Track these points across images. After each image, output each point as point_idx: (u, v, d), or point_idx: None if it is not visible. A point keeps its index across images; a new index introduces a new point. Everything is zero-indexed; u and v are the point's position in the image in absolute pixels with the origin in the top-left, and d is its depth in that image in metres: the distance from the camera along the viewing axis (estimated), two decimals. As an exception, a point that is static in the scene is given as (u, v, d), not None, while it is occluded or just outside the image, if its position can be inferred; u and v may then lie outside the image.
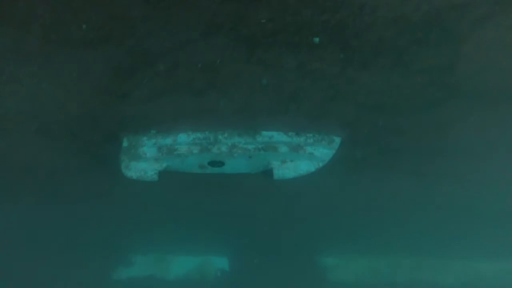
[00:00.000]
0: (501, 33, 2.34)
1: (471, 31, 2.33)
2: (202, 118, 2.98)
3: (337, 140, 3.27)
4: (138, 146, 3.07)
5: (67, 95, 2.64)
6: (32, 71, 2.36)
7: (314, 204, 4.03)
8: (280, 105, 2.92)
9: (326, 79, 2.66)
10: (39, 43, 2.18)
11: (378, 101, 2.93)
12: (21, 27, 2.06)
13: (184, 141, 3.06)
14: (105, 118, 2.91)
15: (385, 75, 2.65)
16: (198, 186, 3.53)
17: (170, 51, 2.30)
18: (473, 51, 2.48)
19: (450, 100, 2.91)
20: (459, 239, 5.08)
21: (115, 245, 5.57)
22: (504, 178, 3.81)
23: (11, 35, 2.10)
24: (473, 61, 2.56)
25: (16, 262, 4.68)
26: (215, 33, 2.19)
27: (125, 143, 3.10)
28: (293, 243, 5.36)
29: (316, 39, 2.28)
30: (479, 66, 2.61)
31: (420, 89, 2.81)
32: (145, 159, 3.05)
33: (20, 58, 2.26)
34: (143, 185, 3.17)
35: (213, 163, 3.14)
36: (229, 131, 3.12)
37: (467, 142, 3.31)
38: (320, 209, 4.14)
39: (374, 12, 2.15)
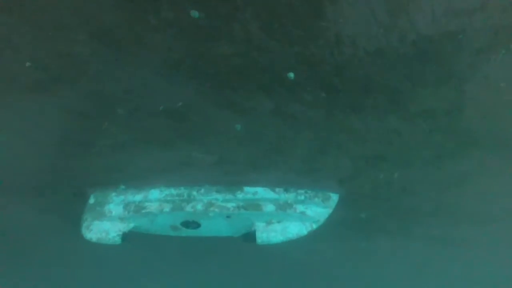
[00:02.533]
0: (507, 68, 1.99)
1: (472, 65, 2.00)
2: (176, 172, 2.64)
3: (334, 197, 2.80)
4: (104, 203, 2.72)
5: (24, 146, 2.40)
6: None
7: (309, 272, 3.37)
8: (261, 157, 2.55)
9: (310, 124, 2.32)
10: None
11: (376, 150, 2.51)
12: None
13: (156, 197, 2.69)
14: (69, 171, 2.63)
15: (379, 119, 2.29)
16: (171, 250, 3.05)
17: (128, 93, 2.08)
18: (479, 88, 2.11)
19: (460, 149, 2.46)
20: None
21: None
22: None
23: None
24: (480, 100, 2.18)
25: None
26: (174, 71, 1.97)
27: (91, 200, 2.76)
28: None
29: (291, 74, 2.01)
30: (488, 106, 2.22)
31: (422, 136, 2.40)
32: (110, 218, 2.67)
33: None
34: (108, 248, 2.74)
35: (187, 224, 2.71)
36: (206, 187, 2.74)
37: (487, 200, 2.75)
38: (316, 277, 3.46)
39: (353, 42, 1.88)
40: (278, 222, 2.69)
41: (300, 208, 2.71)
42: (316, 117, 2.26)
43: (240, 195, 2.70)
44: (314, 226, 2.69)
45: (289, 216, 2.68)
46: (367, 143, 2.45)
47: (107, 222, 2.66)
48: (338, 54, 1.93)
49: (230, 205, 2.66)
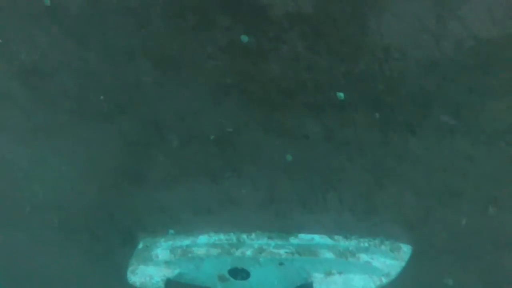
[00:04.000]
0: None
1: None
2: (225, 212, 2.53)
3: (406, 248, 2.38)
4: (152, 249, 2.63)
5: (80, 182, 2.54)
6: (53, 151, 2.40)
7: None
8: (315, 193, 2.37)
9: (365, 151, 2.15)
10: (64, 119, 2.28)
11: (448, 184, 2.19)
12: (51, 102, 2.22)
13: (204, 242, 2.54)
14: (120, 211, 2.66)
15: (445, 142, 2.06)
16: None
17: (182, 121, 2.18)
18: None
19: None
20: None
21: None
22: None
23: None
24: None
25: None
26: (226, 96, 2.05)
27: (140, 245, 2.71)
28: None
29: (341, 95, 1.96)
30: None
31: (507, 162, 2.06)
32: (155, 263, 2.53)
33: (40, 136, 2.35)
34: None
35: (235, 273, 2.45)
36: (257, 233, 2.54)
37: None
38: None
39: (403, 55, 1.84)
40: (339, 273, 2.30)
41: (364, 257, 2.33)
42: (372, 142, 2.11)
43: (294, 241, 2.43)
44: (384, 280, 2.25)
45: (352, 266, 2.30)
46: (435, 174, 2.16)
47: (153, 267, 2.52)
48: (388, 69, 1.88)
49: (282, 251, 2.39)
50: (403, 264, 2.32)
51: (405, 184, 2.23)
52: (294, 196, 2.38)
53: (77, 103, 2.19)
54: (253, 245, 2.45)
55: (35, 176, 2.54)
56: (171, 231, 2.69)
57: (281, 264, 2.36)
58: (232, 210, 2.51)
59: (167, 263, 2.51)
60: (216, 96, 2.07)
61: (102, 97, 2.12)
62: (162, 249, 2.59)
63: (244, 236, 2.50)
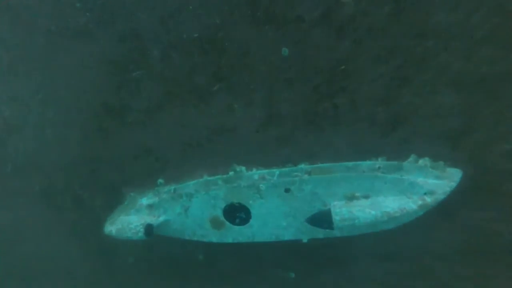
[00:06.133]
0: None
1: None
2: (218, 146, 2.12)
3: (454, 171, 1.77)
4: (138, 200, 2.21)
5: (66, 124, 2.29)
6: (33, 89, 2.23)
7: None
8: (321, 100, 1.91)
9: (376, 30, 1.75)
10: (41, 43, 2.15)
11: (497, 63, 1.68)
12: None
13: (194, 183, 2.10)
14: (106, 163, 2.32)
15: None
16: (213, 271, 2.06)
17: (161, 25, 1.95)
18: None
19: None
20: None
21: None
22: None
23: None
24: None
25: None
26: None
27: (126, 202, 2.30)
28: None
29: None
30: None
31: None
32: (138, 211, 2.09)
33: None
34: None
35: (231, 213, 1.91)
36: (258, 167, 2.06)
37: None
38: None
39: None
40: (365, 196, 1.70)
41: (396, 176, 1.74)
42: (380, 15, 1.72)
43: (303, 166, 1.92)
44: (429, 199, 1.62)
45: (381, 185, 1.70)
46: (473, 48, 1.68)
47: (134, 216, 2.07)
48: None
49: (289, 178, 1.87)
50: (453, 184, 1.69)
51: (435, 72, 1.75)
52: (296, 108, 1.95)
53: (54, 20, 2.08)
54: (252, 176, 1.96)
55: (16, 124, 2.36)
56: (160, 180, 2.29)
57: (287, 190, 1.81)
58: (225, 139, 2.09)
59: (151, 207, 2.06)
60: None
61: (78, 4, 2.00)
62: (148, 198, 2.16)
63: (243, 168, 2.02)
